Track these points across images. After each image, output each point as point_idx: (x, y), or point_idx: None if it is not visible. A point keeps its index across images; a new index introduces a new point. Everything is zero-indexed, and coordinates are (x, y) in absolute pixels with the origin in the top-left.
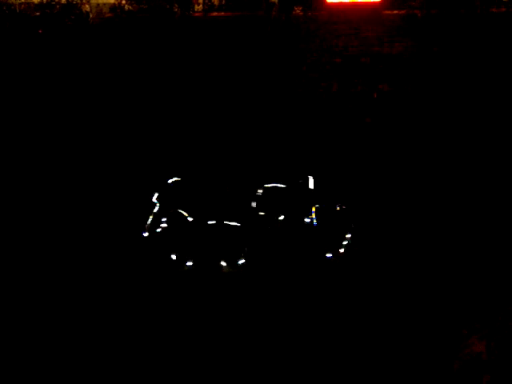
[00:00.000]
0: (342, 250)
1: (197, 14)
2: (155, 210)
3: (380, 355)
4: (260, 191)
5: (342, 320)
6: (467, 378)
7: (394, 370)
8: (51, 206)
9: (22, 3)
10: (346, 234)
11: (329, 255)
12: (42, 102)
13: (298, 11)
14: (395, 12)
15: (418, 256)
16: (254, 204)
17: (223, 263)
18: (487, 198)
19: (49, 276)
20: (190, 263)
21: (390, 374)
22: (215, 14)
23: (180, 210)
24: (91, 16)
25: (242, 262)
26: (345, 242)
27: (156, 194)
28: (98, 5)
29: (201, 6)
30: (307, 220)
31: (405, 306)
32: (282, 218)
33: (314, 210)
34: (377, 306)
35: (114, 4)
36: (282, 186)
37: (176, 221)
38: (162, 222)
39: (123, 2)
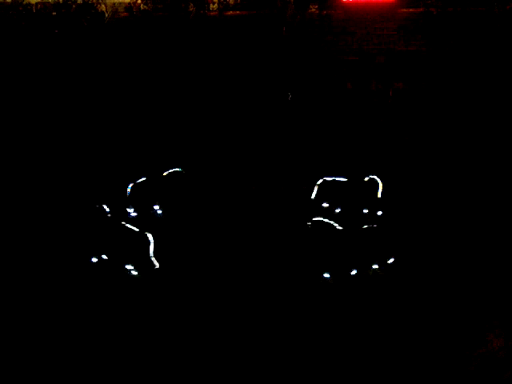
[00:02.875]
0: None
1: (212, 13)
2: None
3: (400, 352)
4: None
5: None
6: (486, 375)
7: (413, 366)
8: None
9: (39, 3)
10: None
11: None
12: (54, 99)
13: (313, 10)
14: (411, 10)
15: (437, 256)
16: None
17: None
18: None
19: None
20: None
21: (410, 370)
22: (230, 12)
23: None
24: (107, 15)
25: None
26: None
27: None
28: (114, 4)
29: (216, 5)
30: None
31: (424, 303)
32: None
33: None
34: (397, 306)
35: (130, 3)
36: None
37: None
38: None
39: (139, 1)
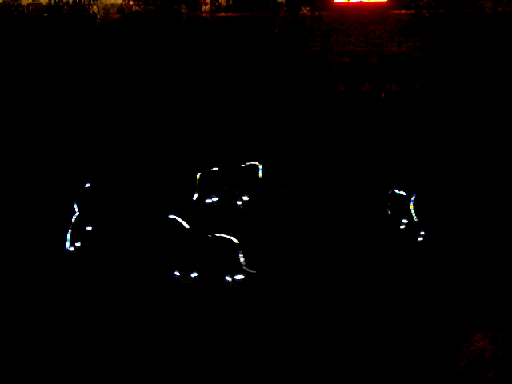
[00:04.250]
0: None
1: (204, 15)
2: None
3: (386, 353)
4: None
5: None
6: (471, 375)
7: (399, 367)
8: None
9: (30, 4)
10: None
11: None
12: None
13: (305, 11)
14: (403, 12)
15: (424, 255)
16: None
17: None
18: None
19: None
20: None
21: (396, 370)
22: (222, 14)
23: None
24: (98, 17)
25: None
26: None
27: None
28: (106, 6)
29: (208, 6)
30: None
31: (410, 303)
32: None
33: None
34: (383, 306)
35: (122, 5)
36: None
37: None
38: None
39: (131, 2)
